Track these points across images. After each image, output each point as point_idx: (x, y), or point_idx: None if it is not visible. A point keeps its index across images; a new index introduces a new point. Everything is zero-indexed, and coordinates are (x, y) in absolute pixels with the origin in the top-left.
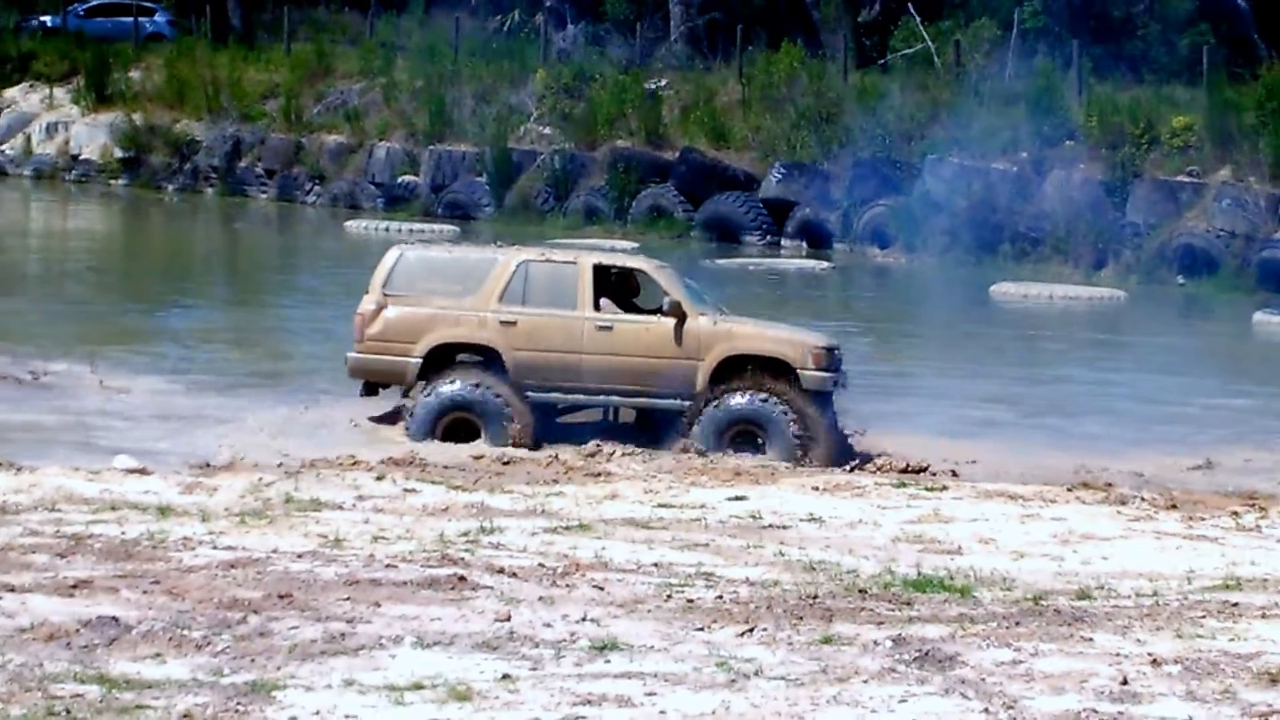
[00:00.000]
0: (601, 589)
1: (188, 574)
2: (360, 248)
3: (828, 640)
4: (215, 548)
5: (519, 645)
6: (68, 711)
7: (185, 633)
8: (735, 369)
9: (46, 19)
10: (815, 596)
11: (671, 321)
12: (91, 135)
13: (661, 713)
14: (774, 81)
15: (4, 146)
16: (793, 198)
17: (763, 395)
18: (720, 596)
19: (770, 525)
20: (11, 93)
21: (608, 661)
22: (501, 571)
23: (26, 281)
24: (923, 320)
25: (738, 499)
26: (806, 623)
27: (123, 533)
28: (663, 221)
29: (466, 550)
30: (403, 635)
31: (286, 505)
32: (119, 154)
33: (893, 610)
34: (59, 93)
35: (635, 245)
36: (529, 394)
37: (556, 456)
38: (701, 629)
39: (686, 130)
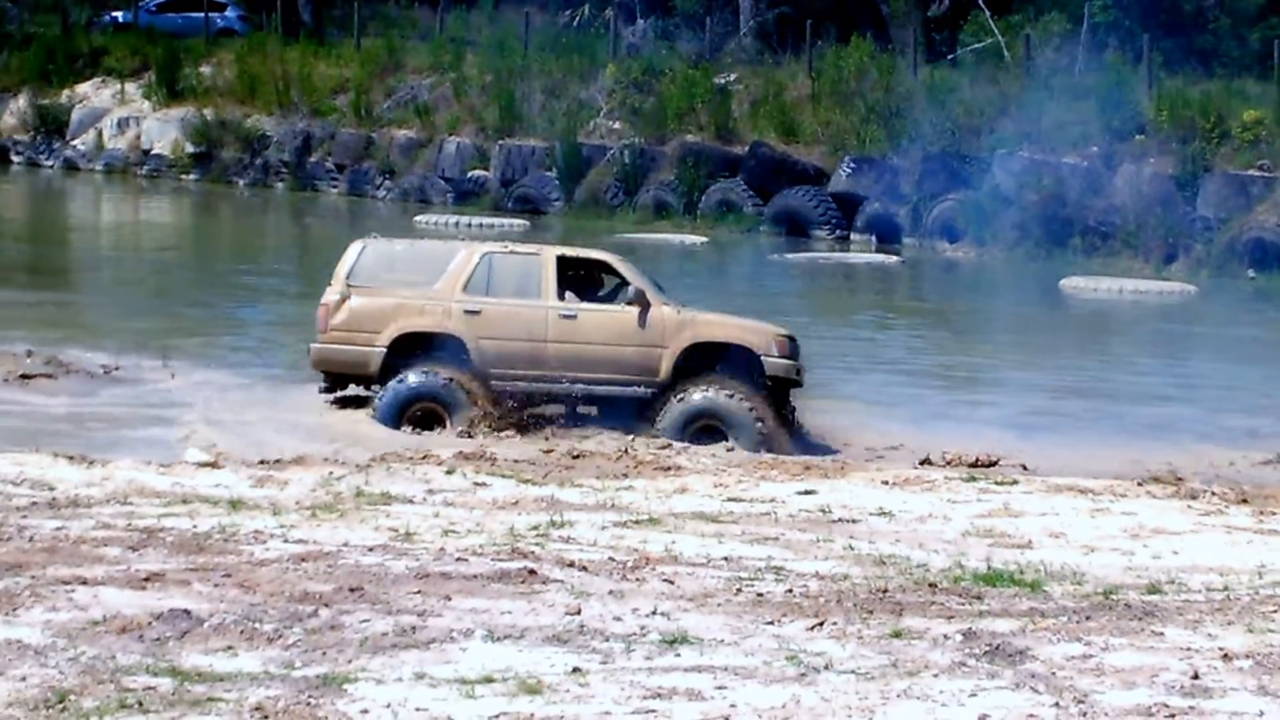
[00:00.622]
0: (671, 583)
1: (259, 567)
2: None
3: (897, 634)
4: (286, 541)
5: (589, 639)
6: (140, 704)
7: (257, 626)
8: (699, 357)
9: (118, 14)
10: (885, 590)
11: (635, 310)
12: (163, 130)
13: (732, 706)
14: (843, 76)
15: (76, 141)
16: (862, 192)
17: (725, 390)
18: (790, 590)
19: (840, 519)
20: (84, 88)
21: (678, 655)
22: (572, 565)
23: (100, 275)
24: (992, 314)
25: (807, 493)
26: (876, 617)
27: (194, 526)
28: (732, 216)
29: (537, 544)
30: (473, 628)
31: (357, 499)
32: (190, 149)
33: (963, 604)
34: (130, 88)
35: (704, 239)
36: (493, 383)
37: (626, 450)
38: (771, 623)
39: (756, 125)
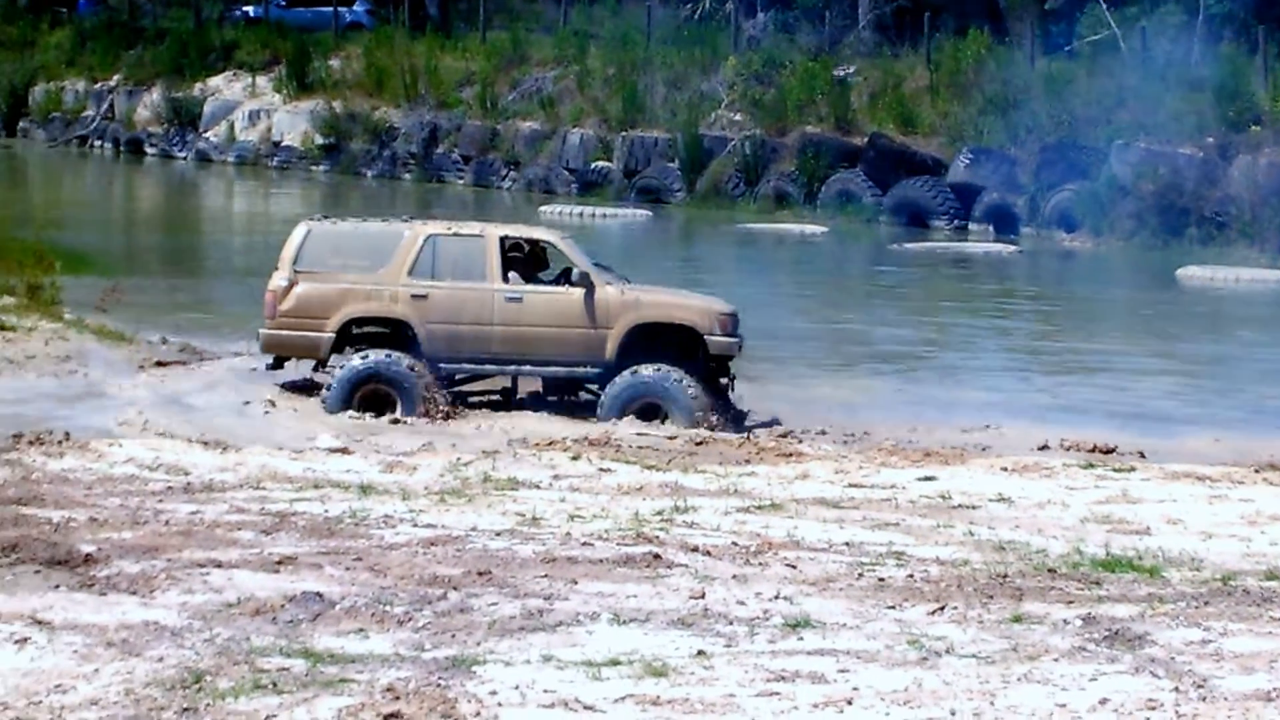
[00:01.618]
0: (794, 567)
1: (389, 551)
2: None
3: (1018, 619)
4: (416, 525)
5: (713, 622)
6: (274, 684)
7: (387, 608)
8: (644, 336)
9: (249, 9)
10: (1005, 576)
11: (580, 292)
12: (293, 122)
13: (854, 689)
14: (961, 68)
15: (209, 134)
16: (980, 182)
17: (660, 369)
18: (911, 575)
19: (960, 505)
20: (216, 81)
21: (800, 639)
22: (696, 550)
23: (232, 264)
24: (1110, 303)
25: (927, 479)
26: (996, 601)
27: (326, 510)
28: (851, 206)
29: (661, 529)
30: (599, 612)
31: (485, 484)
32: (319, 141)
33: (1082, 590)
34: (261, 81)
35: (824, 229)
36: (441, 365)
37: (749, 437)
38: (893, 607)
39: (875, 116)
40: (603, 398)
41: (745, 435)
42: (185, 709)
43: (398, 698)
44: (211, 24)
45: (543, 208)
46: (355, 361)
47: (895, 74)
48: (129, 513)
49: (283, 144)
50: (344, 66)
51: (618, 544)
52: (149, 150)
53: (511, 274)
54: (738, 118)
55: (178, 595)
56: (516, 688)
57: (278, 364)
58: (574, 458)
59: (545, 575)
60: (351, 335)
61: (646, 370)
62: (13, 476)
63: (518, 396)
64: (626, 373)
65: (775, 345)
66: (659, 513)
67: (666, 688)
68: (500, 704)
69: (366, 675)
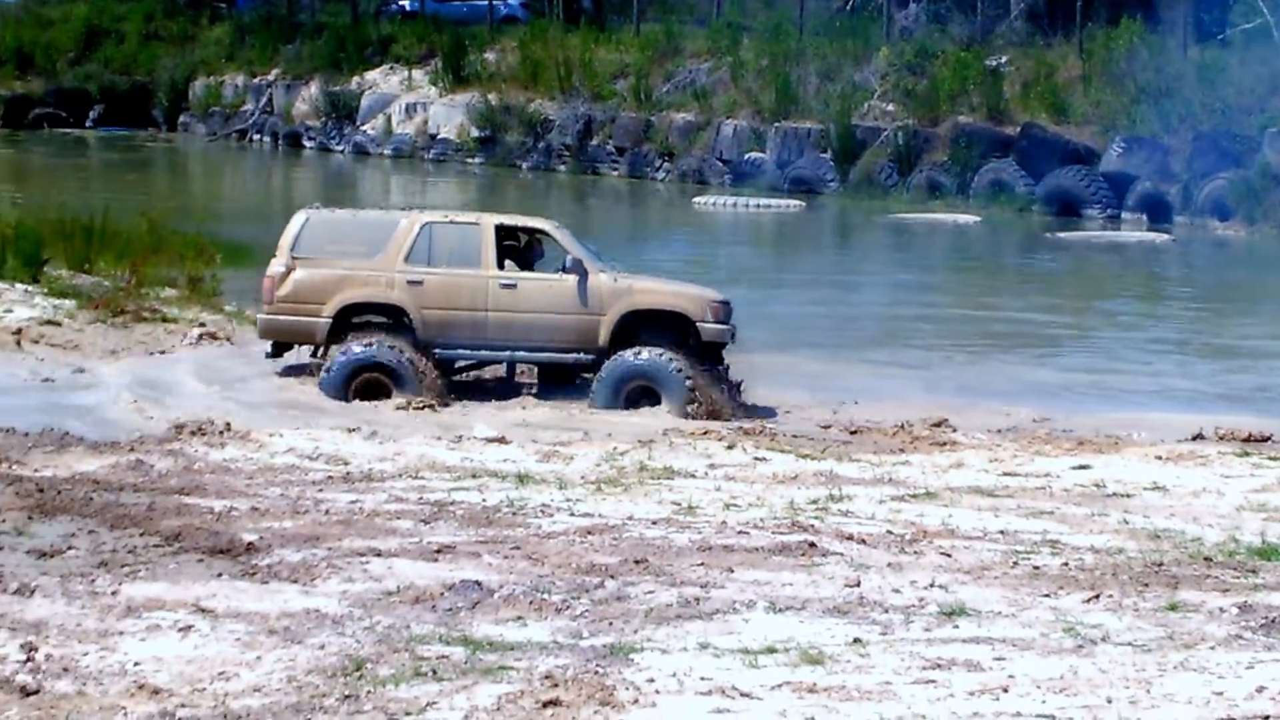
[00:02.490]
0: (949, 555)
1: (547, 540)
2: (708, 222)
3: (1173, 607)
4: (573, 514)
5: (869, 610)
6: (434, 672)
7: (545, 597)
8: (637, 324)
9: (405, 3)
10: (1160, 564)
11: (573, 279)
12: (449, 115)
13: (1010, 677)
14: (1113, 57)
15: (366, 127)
16: (1133, 171)
17: (656, 351)
18: (1066, 563)
19: (1114, 494)
20: (372, 75)
21: (956, 627)
22: (850, 538)
23: None
24: (1263, 291)
25: (1081, 468)
26: (1152, 590)
27: (483, 499)
28: (1004, 196)
29: (816, 517)
30: (755, 600)
31: (640, 473)
32: (475, 133)
33: (1238, 578)
34: (417, 74)
35: (977, 219)
36: (436, 351)
37: (903, 426)
38: (1048, 595)
39: (1027, 105)
40: (595, 382)
41: (900, 424)
42: (346, 696)
43: (556, 685)
44: (368, 18)
45: (696, 199)
46: (354, 349)
47: (1047, 63)
48: (290, 502)
49: (439, 137)
50: (499, 59)
51: (773, 532)
52: (307, 144)
53: (508, 262)
54: (890, 108)
55: (338, 583)
56: (673, 675)
57: (277, 350)
58: (729, 446)
59: (701, 563)
60: (349, 321)
61: (638, 353)
62: (175, 466)
63: (518, 382)
64: (616, 356)
65: (931, 331)
66: (814, 501)
67: (822, 675)
68: (658, 691)
69: (525, 663)
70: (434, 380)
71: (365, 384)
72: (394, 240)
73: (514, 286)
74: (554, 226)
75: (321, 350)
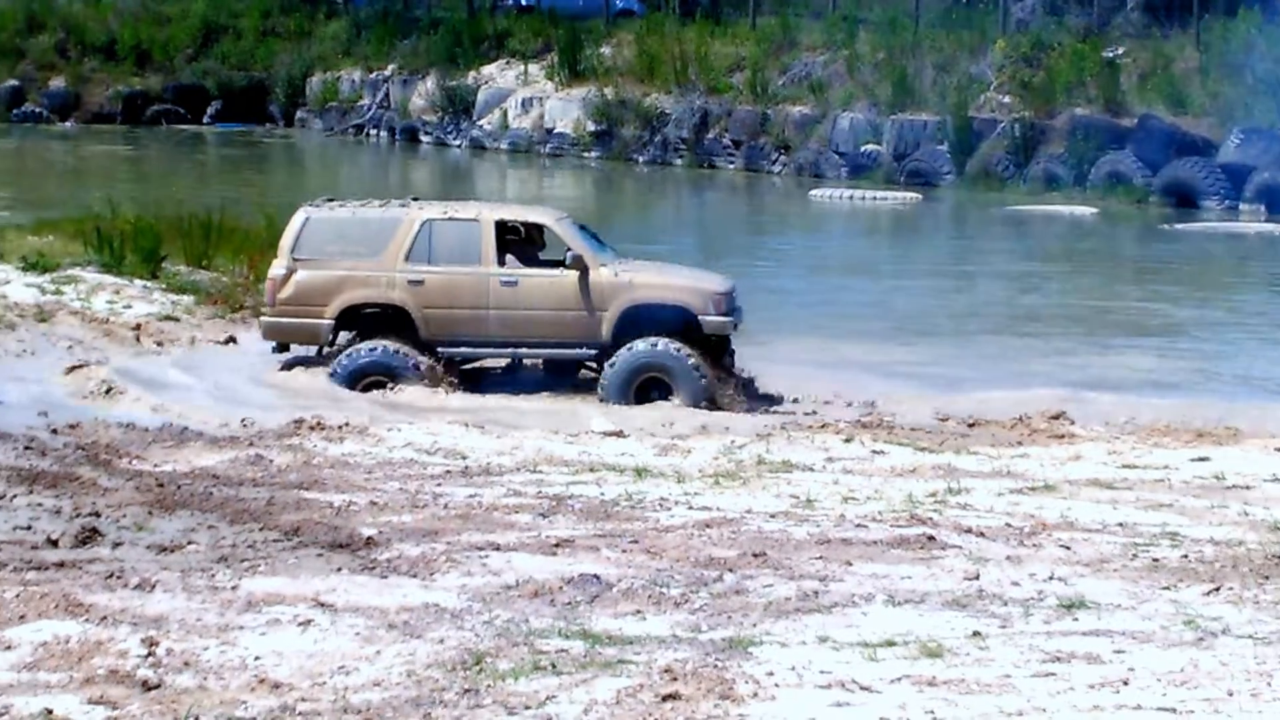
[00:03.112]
0: (1068, 548)
1: (665, 533)
2: (825, 215)
3: None
4: (691, 508)
5: (988, 603)
6: (553, 666)
7: (664, 590)
8: (640, 317)
9: None
10: None
11: (575, 274)
12: (565, 110)
13: (1130, 670)
14: (1231, 47)
15: (482, 122)
16: (1251, 162)
17: (668, 342)
18: (1185, 556)
19: (1234, 486)
20: (489, 70)
21: (1075, 619)
22: (969, 531)
23: None
24: None
25: (1201, 460)
26: (1272, 582)
27: (602, 493)
28: (1121, 187)
29: (934, 510)
30: (874, 593)
31: (758, 467)
32: (591, 127)
33: None
34: (533, 69)
35: (1094, 211)
36: (439, 350)
37: (1021, 419)
38: (1167, 588)
39: (1144, 97)
40: (604, 376)
41: (1018, 417)
42: (466, 690)
43: (675, 679)
44: (484, 13)
45: (813, 191)
46: (360, 353)
47: (1164, 54)
48: (408, 496)
49: (555, 131)
50: (615, 53)
51: (891, 526)
52: (424, 138)
53: (509, 256)
54: (1006, 100)
55: (457, 578)
56: (793, 668)
57: (282, 349)
58: (847, 440)
59: (820, 557)
60: (353, 320)
61: (646, 344)
62: (294, 461)
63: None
64: (625, 349)
65: (1047, 322)
66: (932, 494)
67: (942, 668)
68: (777, 685)
69: (644, 656)
70: (439, 378)
71: (370, 386)
72: (394, 239)
73: (515, 284)
74: (555, 220)
75: (326, 349)
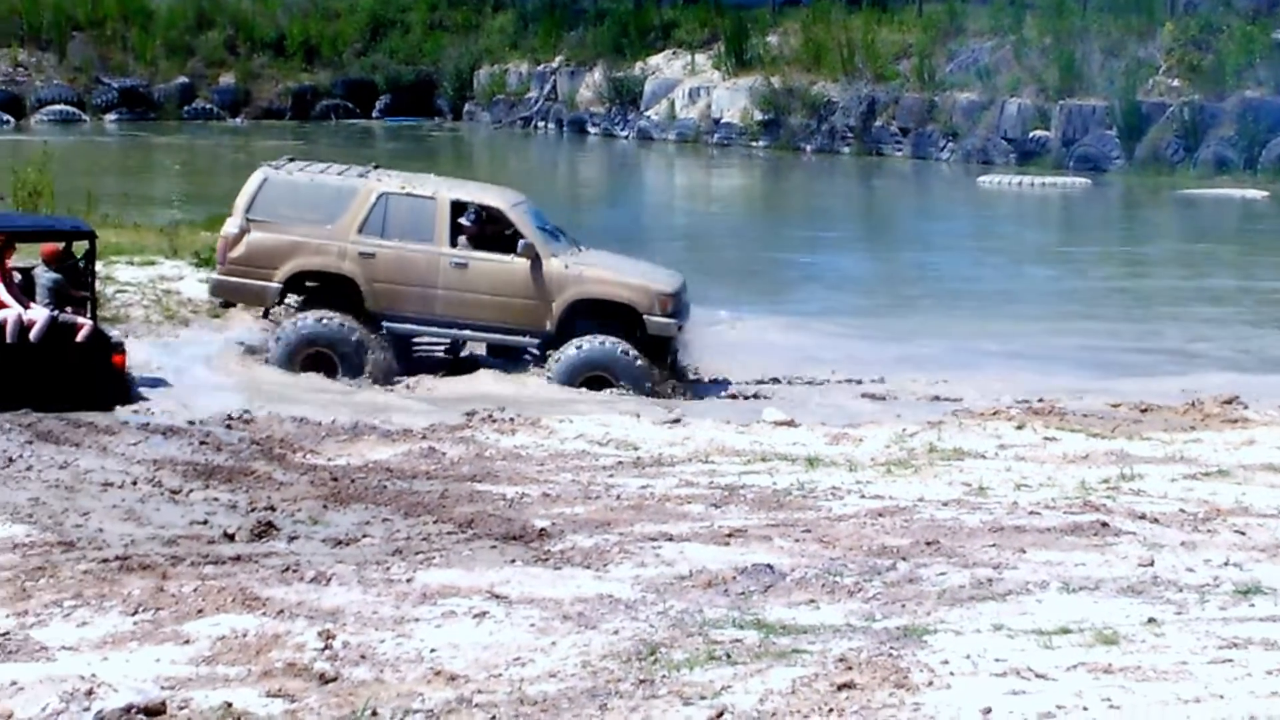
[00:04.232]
0: (1243, 534)
1: (837, 522)
2: (994, 202)
3: None
4: (863, 496)
5: (1163, 590)
6: (728, 655)
7: (837, 579)
8: (587, 310)
9: None
10: None
11: (525, 262)
12: (732, 99)
13: None
14: None
15: (649, 112)
16: None
17: (610, 340)
18: None
19: None
20: (655, 60)
21: (1252, 605)
22: (1143, 517)
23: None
24: None
25: None
26: None
27: (774, 483)
28: None
29: (1108, 497)
30: (1048, 580)
31: (930, 454)
32: (758, 117)
33: None
34: (700, 59)
35: (1265, 194)
36: (384, 325)
37: (1194, 404)
38: None
39: None
40: (549, 369)
41: (1191, 402)
42: (641, 681)
43: (850, 668)
44: (650, 3)
45: (981, 178)
46: (305, 323)
47: None
48: (581, 487)
49: (722, 121)
50: (781, 42)
51: (1065, 512)
52: (591, 130)
53: (461, 239)
54: (1175, 83)
55: (630, 568)
56: (968, 657)
57: (227, 307)
58: (1018, 427)
59: (993, 544)
60: (300, 286)
61: (594, 342)
62: (467, 453)
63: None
64: (573, 346)
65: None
66: (1105, 480)
67: (1118, 656)
68: (952, 673)
69: (819, 646)
70: (384, 359)
71: (311, 358)
72: (350, 209)
73: (465, 266)
74: (510, 205)
75: (268, 313)
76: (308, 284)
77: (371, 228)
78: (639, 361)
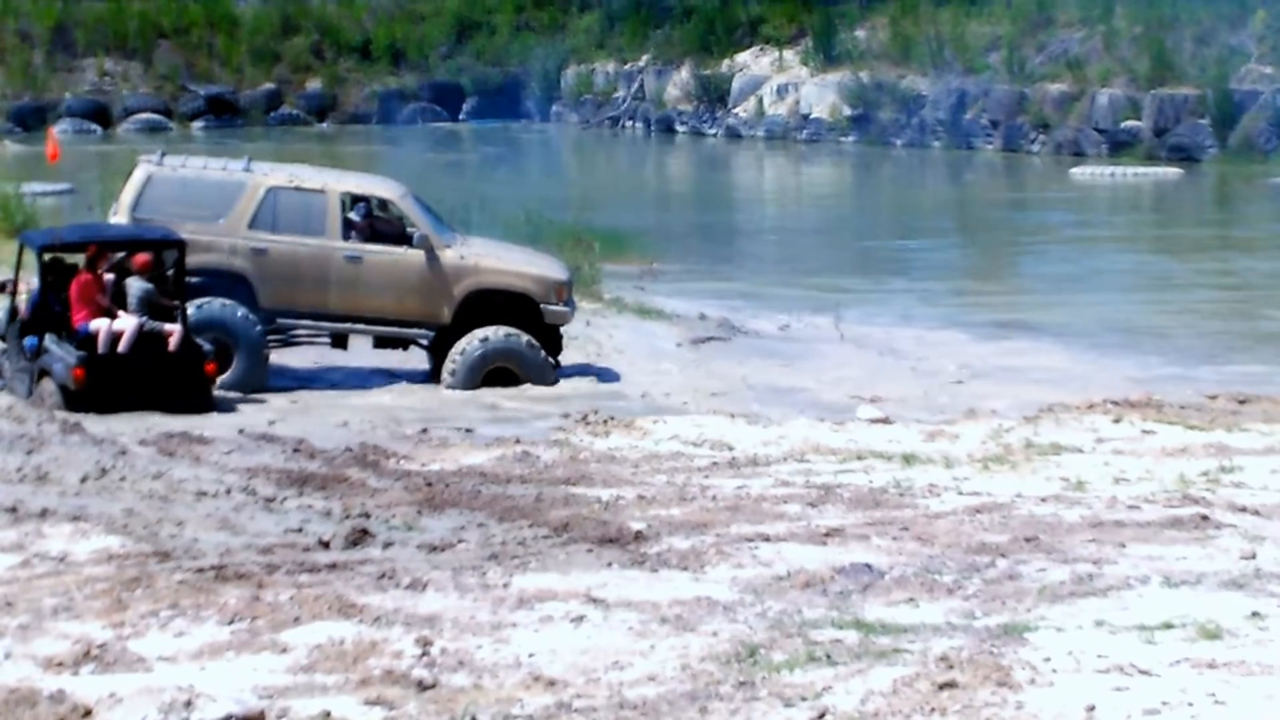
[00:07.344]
0: None
1: (935, 520)
2: (1087, 193)
3: None
4: (960, 493)
5: (1265, 583)
6: (828, 656)
7: (936, 577)
8: (482, 300)
9: None
10: None
11: (420, 254)
12: (820, 95)
13: None
14: None
15: (738, 110)
16: None
17: (511, 332)
18: None
19: None
20: (743, 57)
21: None
22: (1244, 510)
23: (765, 240)
24: None
25: None
26: None
27: (870, 481)
28: None
29: (1208, 489)
30: (1149, 575)
31: (1027, 450)
32: (847, 112)
33: None
34: (788, 55)
35: None
36: (278, 321)
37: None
38: None
39: None
40: (452, 364)
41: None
42: (741, 683)
43: (951, 667)
44: (738, 0)
45: (1073, 169)
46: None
47: None
48: (676, 489)
49: (811, 117)
50: (869, 37)
51: (1164, 506)
52: (679, 128)
53: (352, 232)
54: (1268, 71)
55: (728, 570)
56: (1070, 653)
57: None
58: (1115, 420)
59: (1092, 540)
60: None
61: (498, 334)
62: (561, 457)
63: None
64: (475, 339)
65: None
66: (1204, 473)
67: (1222, 650)
68: (1054, 670)
69: (919, 645)
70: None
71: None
72: (238, 204)
73: (359, 260)
74: (399, 195)
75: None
76: (195, 280)
77: (261, 223)
78: (543, 355)
